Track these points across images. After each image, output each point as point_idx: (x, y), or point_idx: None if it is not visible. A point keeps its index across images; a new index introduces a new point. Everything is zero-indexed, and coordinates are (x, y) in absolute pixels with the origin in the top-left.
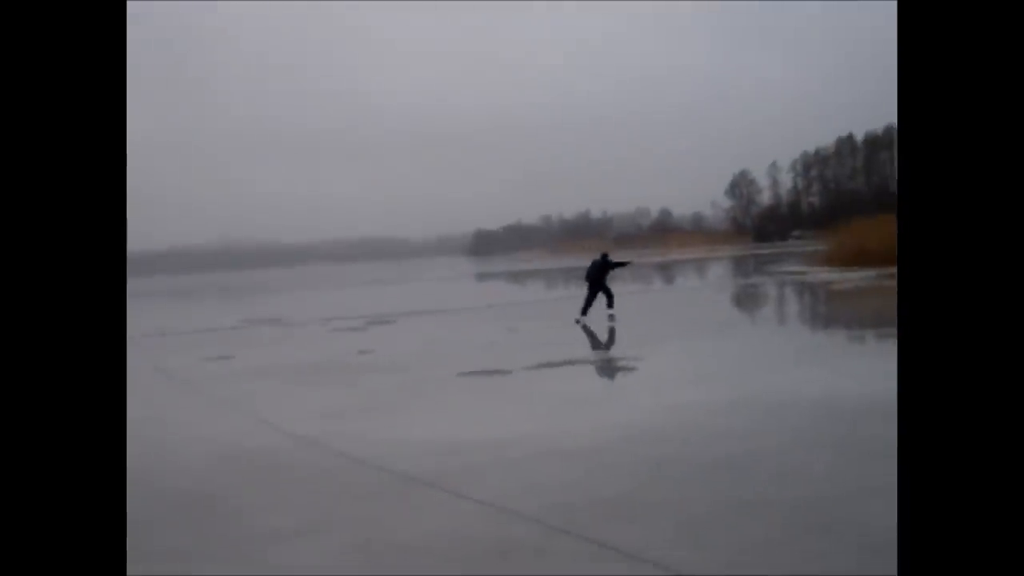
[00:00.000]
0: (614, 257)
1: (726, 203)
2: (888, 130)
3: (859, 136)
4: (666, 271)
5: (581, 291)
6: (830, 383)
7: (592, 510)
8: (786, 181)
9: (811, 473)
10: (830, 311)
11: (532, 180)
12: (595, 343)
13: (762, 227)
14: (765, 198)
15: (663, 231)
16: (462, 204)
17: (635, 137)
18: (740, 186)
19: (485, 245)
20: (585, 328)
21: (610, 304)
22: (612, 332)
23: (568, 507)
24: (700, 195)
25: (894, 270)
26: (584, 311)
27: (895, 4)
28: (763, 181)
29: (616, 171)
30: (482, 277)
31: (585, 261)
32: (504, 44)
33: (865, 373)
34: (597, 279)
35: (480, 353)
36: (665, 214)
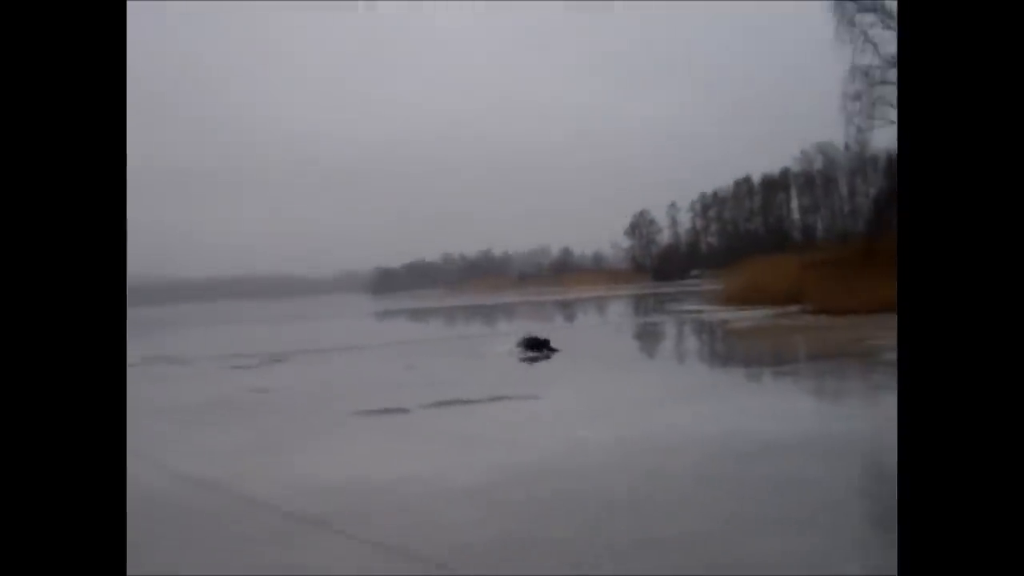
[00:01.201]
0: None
1: (626, 243)
2: (784, 173)
3: (756, 178)
4: (567, 310)
5: (480, 328)
6: (724, 421)
7: (486, 549)
8: (685, 221)
9: (703, 510)
10: (726, 349)
11: (432, 218)
12: (495, 381)
13: (661, 266)
14: (664, 238)
15: (564, 270)
16: (362, 241)
17: (534, 176)
18: (640, 226)
19: (386, 283)
20: (486, 366)
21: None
22: (512, 370)
23: (462, 547)
24: (600, 234)
25: (790, 309)
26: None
27: (789, 51)
28: (662, 221)
29: (517, 210)
30: (382, 315)
31: (487, 299)
32: (400, 77)
33: (758, 411)
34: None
35: (378, 391)
36: (566, 253)
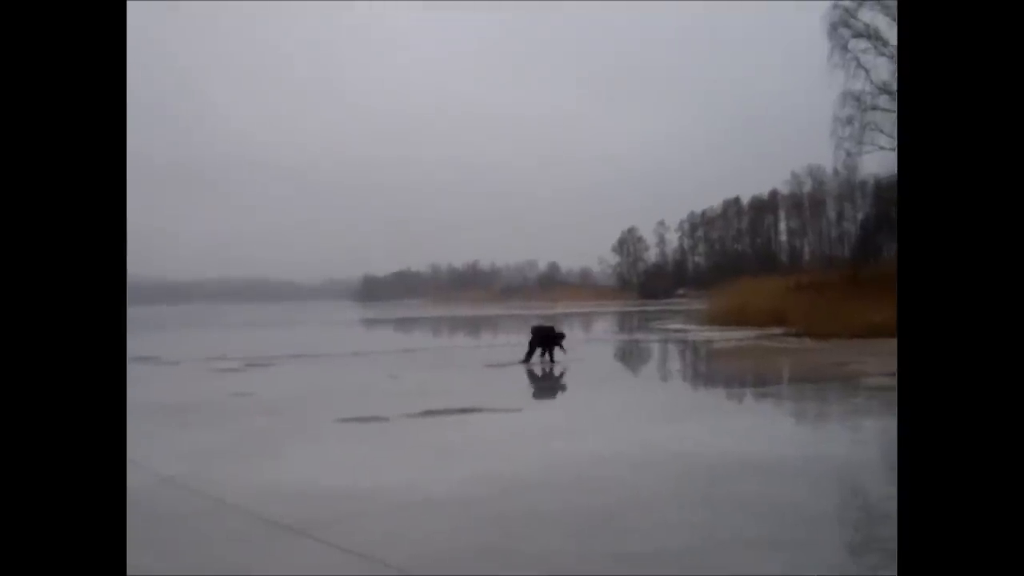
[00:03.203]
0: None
1: (613, 259)
2: (772, 195)
3: (745, 199)
4: (550, 323)
5: (464, 339)
6: (703, 440)
7: (461, 561)
8: (673, 240)
9: (681, 526)
10: (708, 369)
11: (421, 228)
12: (477, 392)
13: (648, 284)
14: (652, 256)
15: (550, 285)
16: (350, 249)
17: (524, 191)
18: (627, 243)
19: (372, 291)
20: (468, 377)
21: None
22: (495, 383)
23: (436, 558)
24: (588, 250)
25: (773, 331)
26: (527, 359)
27: (782, 74)
28: (650, 239)
29: (506, 223)
30: (368, 323)
31: (472, 310)
32: (392, 90)
33: (737, 432)
34: (541, 343)
35: (360, 399)
36: (553, 268)
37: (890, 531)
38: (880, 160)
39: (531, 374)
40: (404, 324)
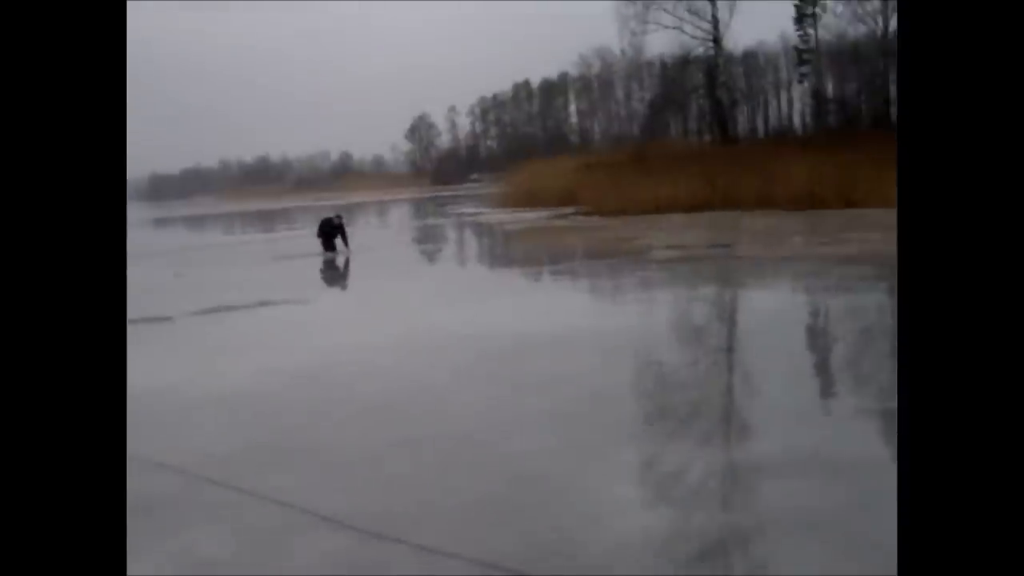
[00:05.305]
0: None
1: (406, 147)
2: (562, 77)
3: (535, 82)
4: (346, 214)
5: (254, 234)
6: (494, 320)
7: (244, 458)
8: (465, 125)
9: (466, 410)
10: (503, 250)
11: (207, 123)
12: (264, 287)
13: (441, 170)
14: (444, 142)
15: (344, 175)
16: (133, 146)
17: (312, 80)
18: (419, 130)
19: (161, 190)
20: (257, 271)
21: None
22: (284, 275)
23: (219, 456)
24: (380, 139)
25: (565, 210)
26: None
27: None
28: (442, 125)
29: (295, 115)
30: (157, 223)
31: (265, 205)
32: None
33: (530, 308)
34: (327, 235)
35: (141, 299)
36: (346, 157)
37: (682, 398)
38: (665, 39)
39: (321, 264)
40: (194, 222)
